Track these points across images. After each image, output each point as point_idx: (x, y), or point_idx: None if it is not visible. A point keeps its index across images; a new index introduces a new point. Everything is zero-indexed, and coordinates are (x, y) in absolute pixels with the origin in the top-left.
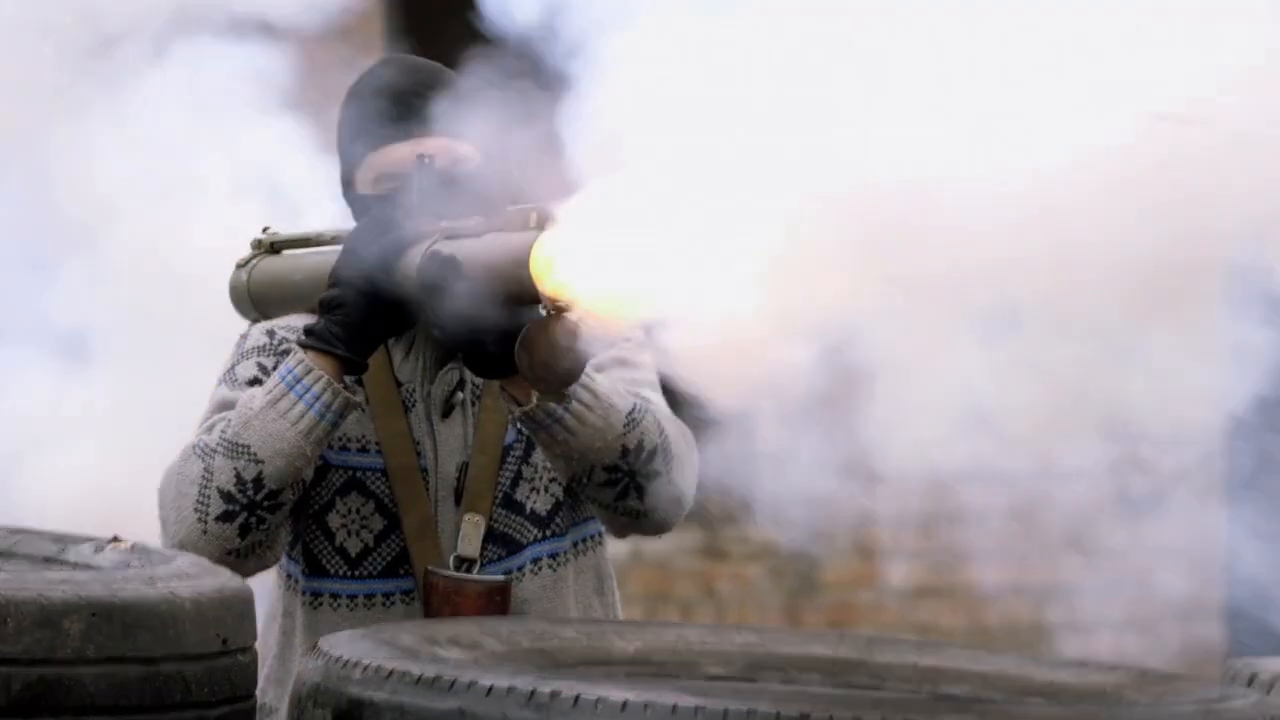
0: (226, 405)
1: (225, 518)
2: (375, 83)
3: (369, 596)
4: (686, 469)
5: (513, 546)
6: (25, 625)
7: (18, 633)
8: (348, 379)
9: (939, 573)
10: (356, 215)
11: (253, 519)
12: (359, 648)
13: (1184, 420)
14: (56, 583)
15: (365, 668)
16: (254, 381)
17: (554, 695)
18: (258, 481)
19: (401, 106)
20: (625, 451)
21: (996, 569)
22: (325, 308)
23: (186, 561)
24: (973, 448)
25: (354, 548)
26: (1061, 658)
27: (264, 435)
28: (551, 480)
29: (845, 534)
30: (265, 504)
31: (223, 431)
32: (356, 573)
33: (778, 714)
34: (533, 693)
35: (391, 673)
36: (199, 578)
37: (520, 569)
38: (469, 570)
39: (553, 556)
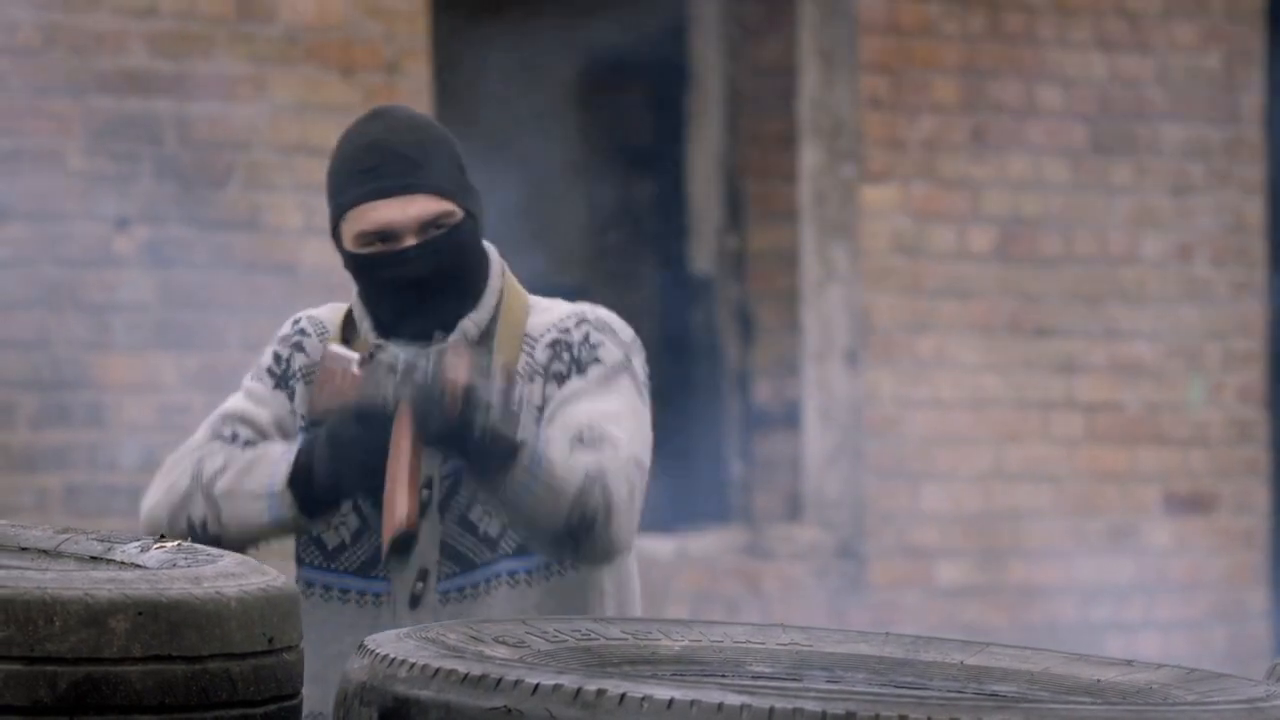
0: (234, 415)
1: (187, 535)
2: (362, 138)
3: (344, 591)
4: (626, 519)
5: (466, 564)
6: (71, 624)
7: (64, 631)
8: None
9: (985, 572)
10: (345, 266)
11: (210, 545)
12: (405, 646)
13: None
14: (102, 582)
15: (411, 666)
16: (269, 371)
17: (600, 693)
18: (216, 538)
19: (386, 163)
20: (568, 524)
21: (1043, 568)
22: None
23: (232, 561)
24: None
25: (331, 541)
26: (1108, 656)
27: (234, 514)
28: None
29: (892, 533)
30: (221, 545)
31: (216, 474)
32: (333, 565)
33: (824, 713)
34: (578, 691)
35: (437, 671)
36: (245, 576)
37: (475, 586)
38: (423, 578)
39: (512, 575)
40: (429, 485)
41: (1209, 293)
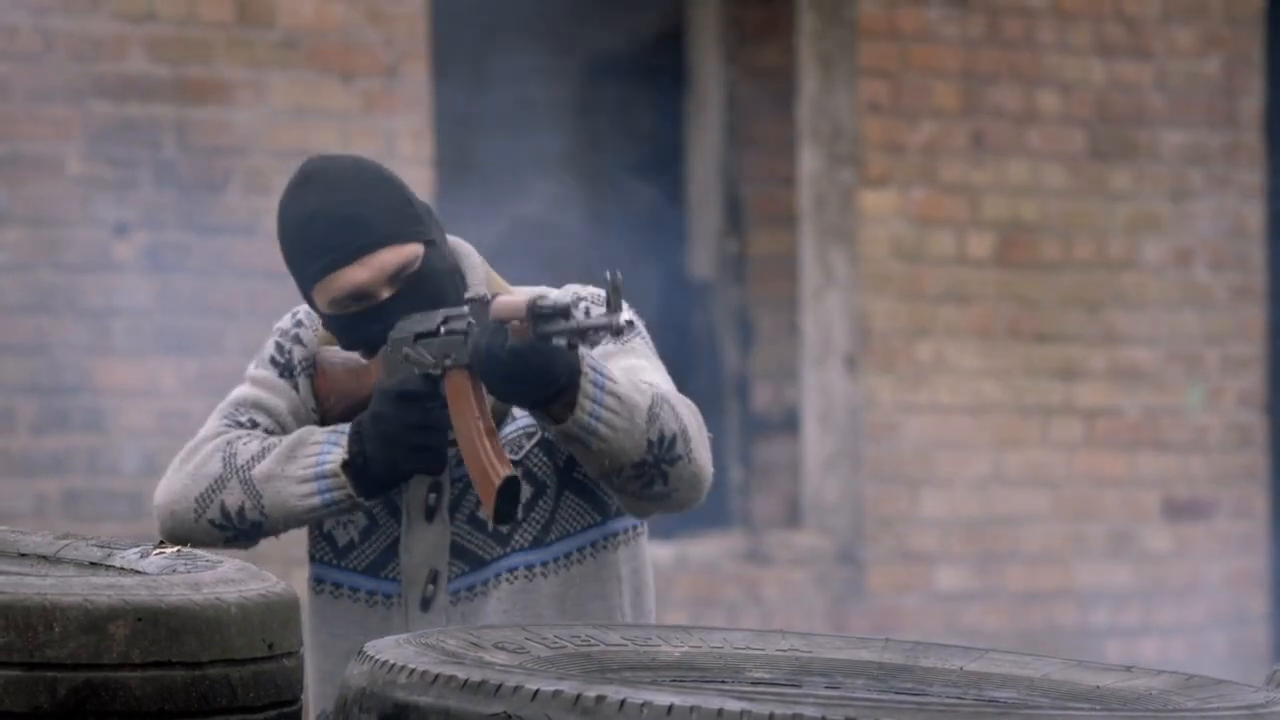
0: (247, 402)
1: (217, 526)
2: (301, 209)
3: (354, 589)
4: (702, 445)
5: (476, 562)
6: (71, 630)
7: (63, 637)
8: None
9: (985, 577)
10: (326, 327)
11: (240, 540)
12: (404, 652)
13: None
14: (102, 587)
15: (411, 672)
16: (272, 361)
17: (599, 700)
18: (256, 525)
19: (336, 231)
20: (650, 445)
21: (1043, 573)
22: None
23: (232, 567)
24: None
25: (341, 538)
26: (1107, 662)
27: (278, 499)
28: None
29: (891, 538)
30: (255, 536)
31: (254, 459)
32: (343, 562)
33: (823, 719)
34: (578, 697)
35: (437, 677)
36: (244, 582)
37: (485, 583)
38: (434, 580)
39: (529, 568)
40: (437, 489)
41: (1208, 298)
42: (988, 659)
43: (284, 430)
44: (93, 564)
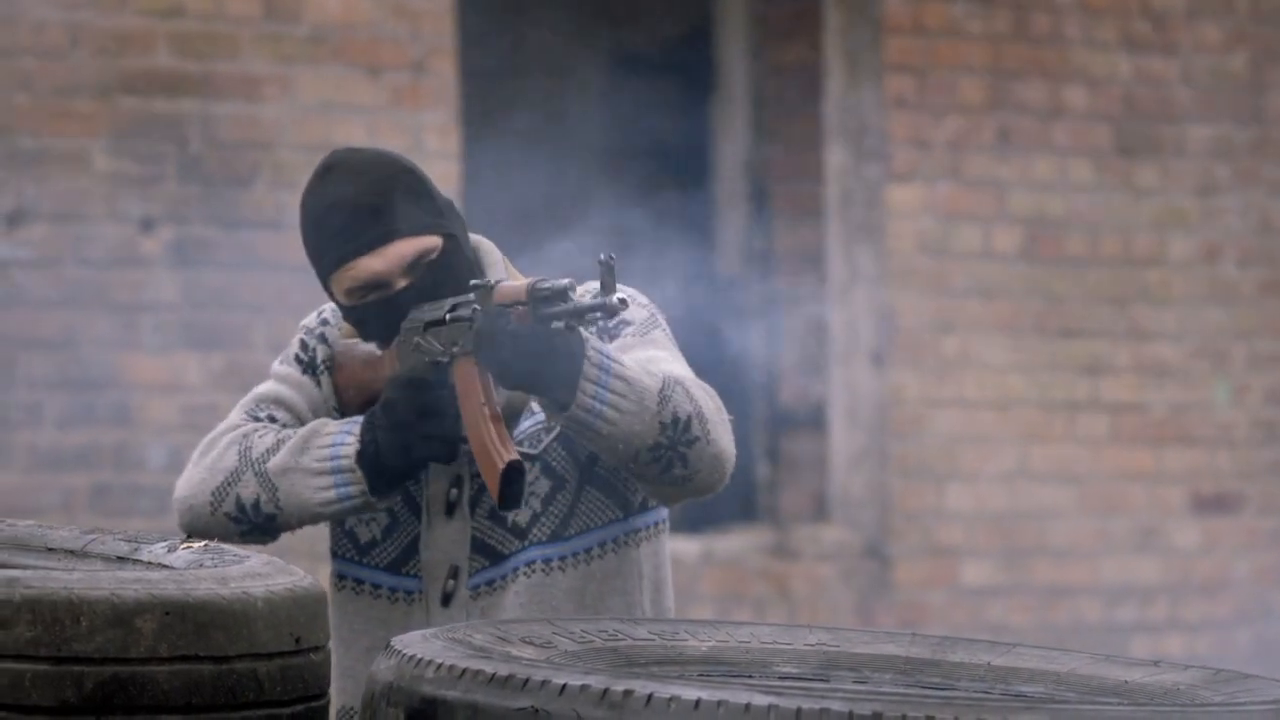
0: (268, 398)
1: (233, 520)
2: (322, 200)
3: (375, 586)
4: (721, 427)
5: (495, 557)
6: (98, 624)
7: (91, 631)
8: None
9: (1011, 572)
10: (345, 318)
11: (255, 534)
12: (432, 647)
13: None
14: (129, 582)
15: (438, 666)
16: (296, 358)
17: (627, 694)
18: (271, 518)
19: (354, 221)
20: (663, 427)
21: (1069, 568)
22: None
23: (259, 561)
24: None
25: (363, 535)
26: (1134, 657)
27: (292, 492)
28: (530, 494)
29: (917, 533)
30: (271, 530)
31: (268, 452)
32: (365, 560)
33: (850, 713)
34: (605, 691)
35: (465, 671)
36: (272, 577)
37: (504, 577)
38: (454, 575)
39: (546, 562)
40: (458, 484)
41: (1235, 293)
42: (1015, 654)
43: (301, 425)
44: (120, 558)
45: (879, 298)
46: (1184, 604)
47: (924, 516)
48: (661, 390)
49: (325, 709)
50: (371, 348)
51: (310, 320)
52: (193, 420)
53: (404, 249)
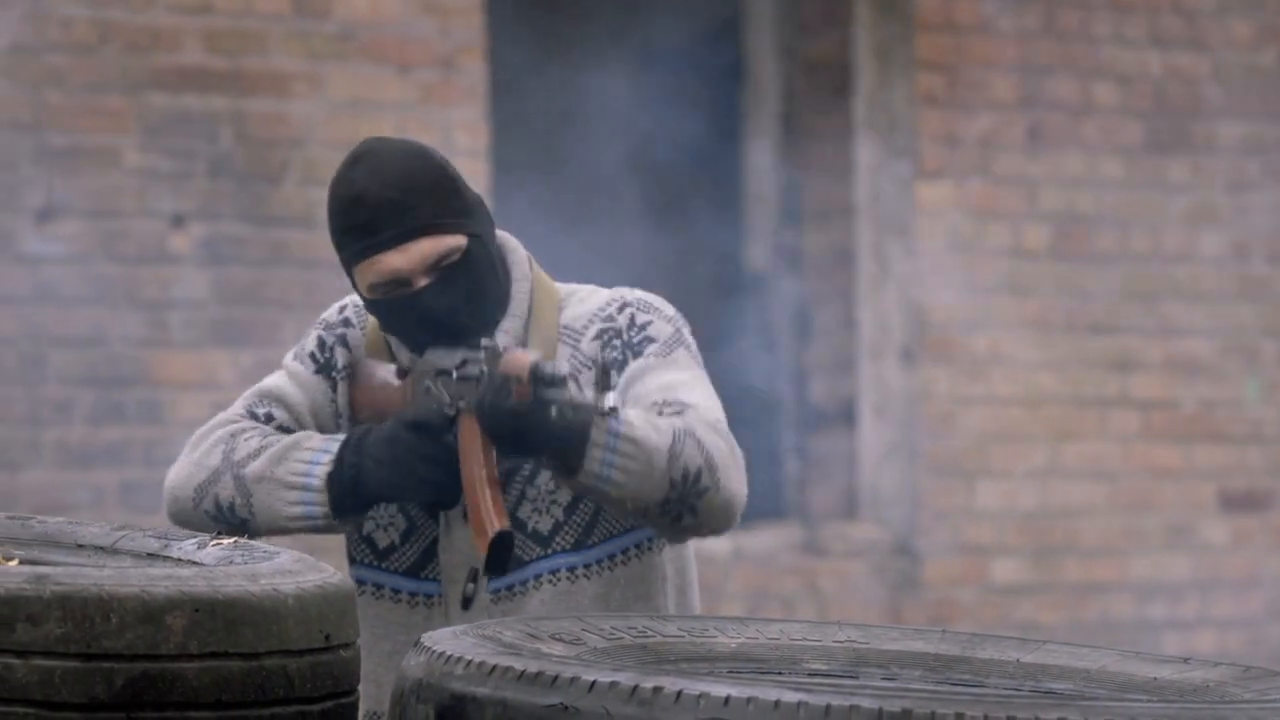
0: (271, 394)
1: (211, 517)
2: (348, 190)
3: (395, 591)
4: (733, 470)
5: (515, 562)
6: (128, 621)
7: (121, 628)
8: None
9: (1041, 570)
10: (366, 308)
11: (229, 532)
12: (461, 644)
13: None
14: (159, 579)
15: (468, 663)
16: (311, 356)
17: (656, 690)
18: (244, 522)
19: (378, 215)
20: (673, 484)
21: (1099, 566)
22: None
23: (289, 558)
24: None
25: (381, 541)
26: (1164, 654)
27: (265, 501)
28: (553, 503)
29: (947, 530)
30: (245, 533)
31: (249, 456)
32: (384, 564)
33: (880, 710)
34: (635, 688)
35: (494, 668)
36: (302, 574)
37: (525, 583)
38: (474, 578)
39: (570, 570)
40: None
41: (1265, 290)
42: (1044, 650)
43: (299, 427)
44: (150, 555)
45: (909, 295)
46: (1214, 601)
47: (954, 514)
48: (671, 447)
49: (355, 706)
50: (391, 372)
51: (331, 315)
52: None
53: (427, 248)
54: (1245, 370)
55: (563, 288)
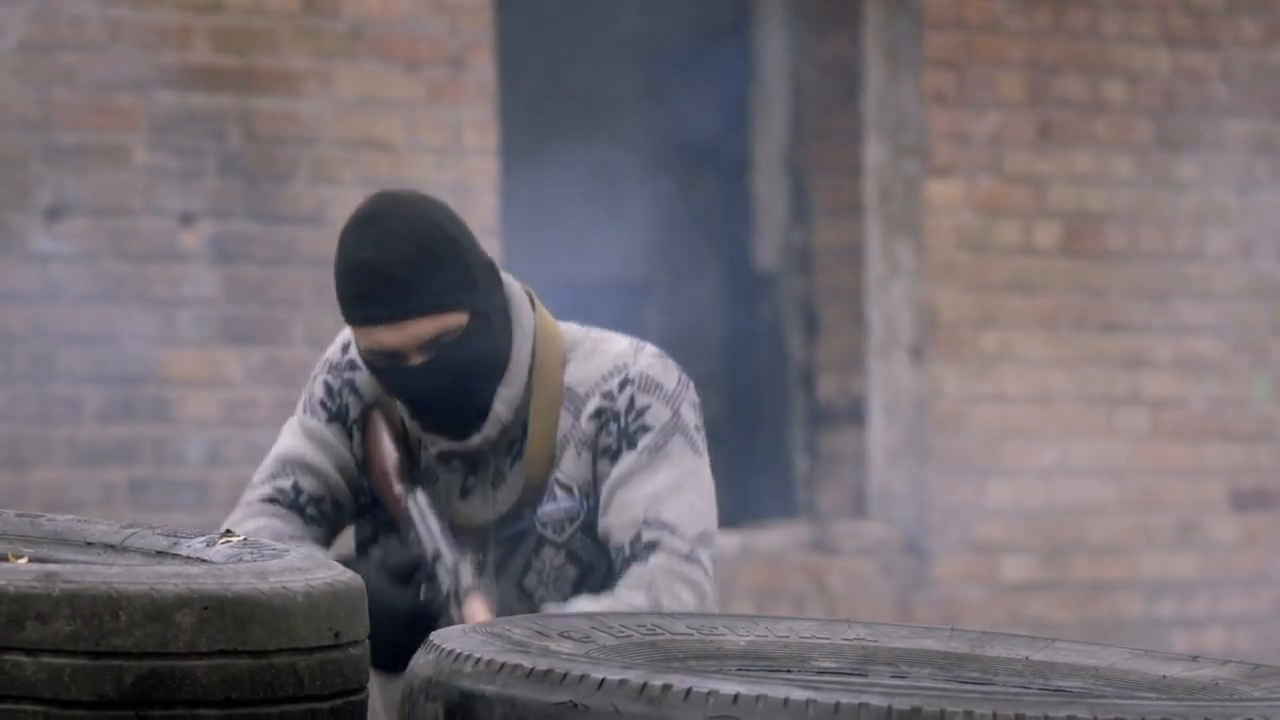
0: (293, 461)
1: None
2: (355, 254)
3: None
4: (704, 605)
5: None
6: (137, 619)
7: (130, 626)
8: None
9: (1051, 568)
10: (365, 367)
11: None
12: (470, 641)
13: None
14: (168, 576)
15: (477, 661)
16: (322, 404)
17: (665, 688)
18: None
19: (377, 289)
20: None
21: (1108, 563)
22: None
23: (298, 555)
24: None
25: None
26: (1173, 652)
27: None
28: (559, 579)
29: (957, 528)
30: None
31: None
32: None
33: (889, 708)
34: (644, 686)
35: (503, 666)
36: (311, 571)
37: None
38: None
39: None
40: (483, 548)
41: (1274, 288)
42: (1054, 648)
43: (329, 492)
44: (159, 553)
45: (918, 293)
46: (1223, 599)
47: (963, 512)
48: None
49: (364, 703)
50: (391, 444)
51: (334, 355)
52: (232, 415)
53: (423, 328)
54: (1255, 368)
55: (568, 334)
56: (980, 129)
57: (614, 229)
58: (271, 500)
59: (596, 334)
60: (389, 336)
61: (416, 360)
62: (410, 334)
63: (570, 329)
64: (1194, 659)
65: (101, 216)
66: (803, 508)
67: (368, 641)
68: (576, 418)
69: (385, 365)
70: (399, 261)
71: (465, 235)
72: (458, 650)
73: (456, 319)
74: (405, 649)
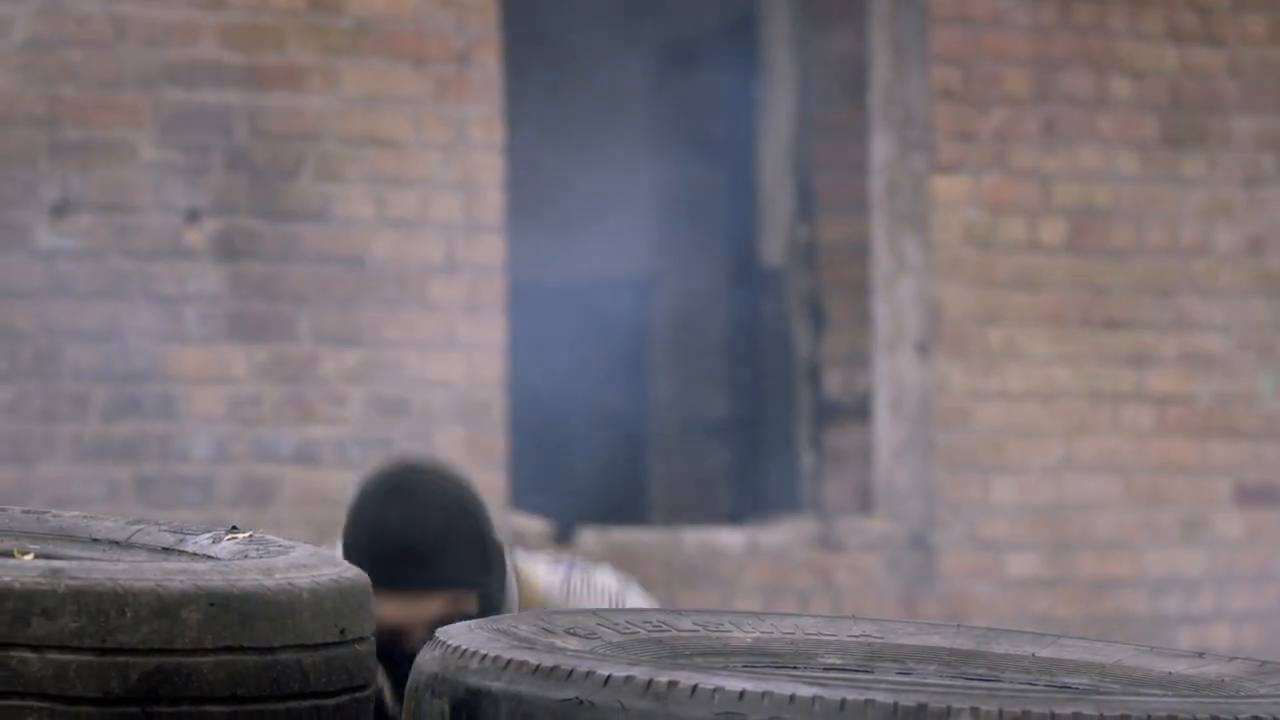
0: None
1: None
2: (375, 522)
3: None
4: None
5: None
6: (143, 615)
7: (135, 622)
8: None
9: (1056, 564)
10: None
11: None
12: (476, 638)
13: None
14: (174, 573)
15: (483, 657)
16: None
17: (671, 685)
18: None
19: (401, 559)
20: None
21: (1114, 560)
22: None
23: (304, 552)
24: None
25: None
26: (1179, 649)
27: None
28: None
29: (962, 525)
30: None
31: None
32: None
33: (896, 704)
34: (650, 682)
35: (509, 662)
36: (317, 568)
37: None
38: None
39: None
40: None
41: None
42: (1059, 645)
43: None
44: (165, 549)
45: (924, 289)
46: (1229, 595)
47: (969, 508)
48: None
49: (370, 700)
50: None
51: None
52: (237, 412)
53: (432, 608)
54: (1261, 365)
55: (543, 588)
56: (986, 125)
57: (620, 224)
58: None
59: (576, 579)
60: (401, 611)
61: (419, 636)
62: (418, 611)
63: (550, 582)
64: (1200, 655)
65: (107, 213)
66: (808, 504)
67: (373, 639)
68: None
69: (385, 637)
70: (428, 531)
71: (488, 516)
72: (464, 646)
73: (465, 600)
74: None
